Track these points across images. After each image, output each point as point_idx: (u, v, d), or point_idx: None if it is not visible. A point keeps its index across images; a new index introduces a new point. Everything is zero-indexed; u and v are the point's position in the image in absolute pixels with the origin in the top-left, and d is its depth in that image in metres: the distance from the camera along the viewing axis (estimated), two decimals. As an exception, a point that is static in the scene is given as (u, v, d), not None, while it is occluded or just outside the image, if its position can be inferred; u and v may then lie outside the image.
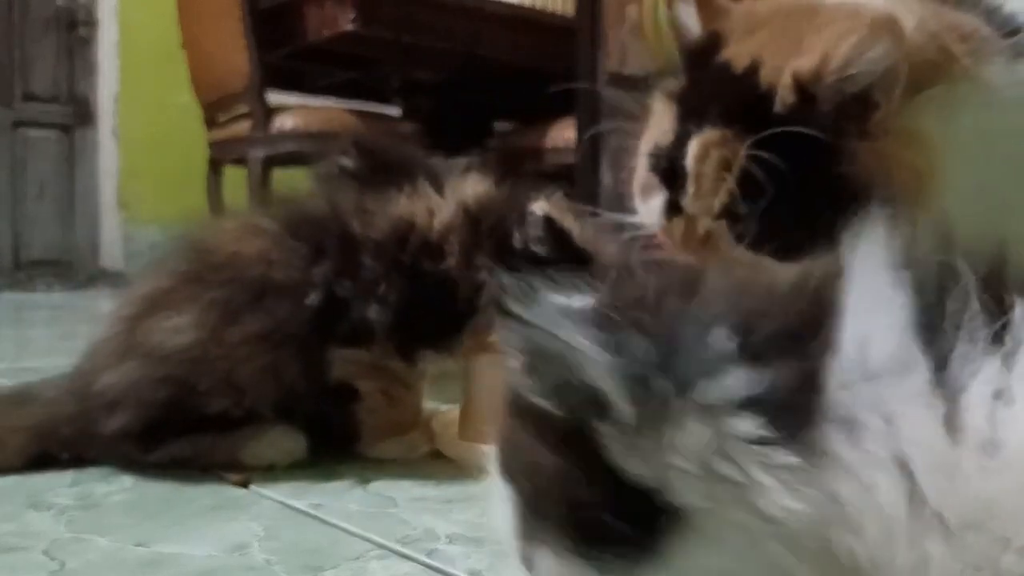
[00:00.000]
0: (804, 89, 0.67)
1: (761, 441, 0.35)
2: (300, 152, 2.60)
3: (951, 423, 0.34)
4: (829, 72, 0.66)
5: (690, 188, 0.70)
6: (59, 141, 4.07)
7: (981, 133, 0.69)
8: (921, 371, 0.35)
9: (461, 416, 0.94)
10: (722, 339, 0.37)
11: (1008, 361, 0.35)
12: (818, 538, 0.35)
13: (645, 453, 0.36)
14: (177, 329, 0.85)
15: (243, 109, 2.61)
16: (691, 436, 0.36)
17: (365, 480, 0.84)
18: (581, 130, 1.97)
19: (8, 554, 0.65)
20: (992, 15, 0.79)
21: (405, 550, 0.65)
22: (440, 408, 1.02)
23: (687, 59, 0.78)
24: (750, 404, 0.36)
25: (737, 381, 0.36)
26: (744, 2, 0.80)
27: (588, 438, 0.37)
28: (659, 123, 0.76)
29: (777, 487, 0.35)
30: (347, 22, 2.37)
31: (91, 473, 0.85)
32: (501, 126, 3.00)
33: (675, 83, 0.78)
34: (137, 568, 0.62)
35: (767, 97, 0.68)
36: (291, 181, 2.45)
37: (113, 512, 0.75)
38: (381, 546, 0.66)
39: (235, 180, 2.75)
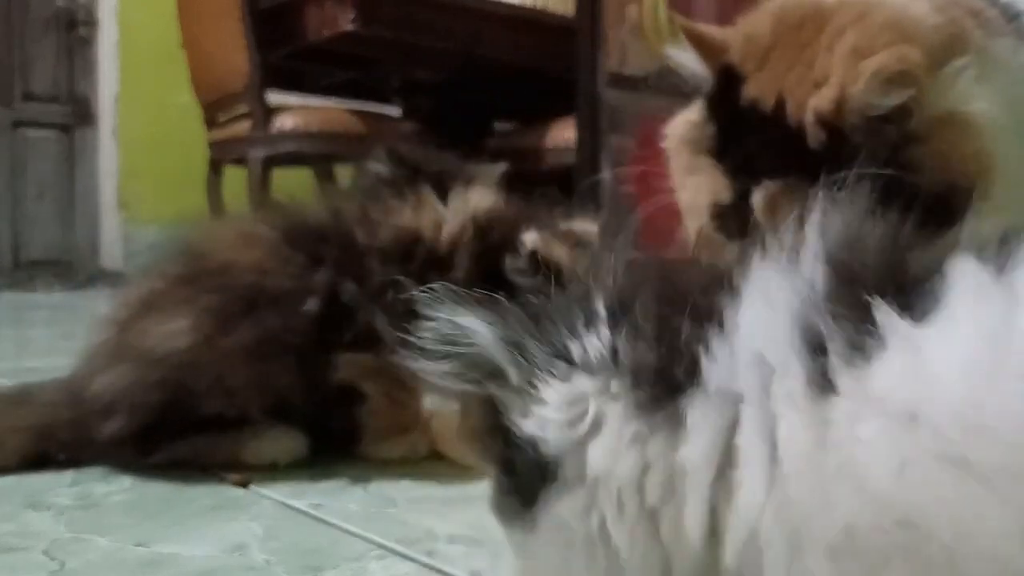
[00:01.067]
0: (830, 125, 0.66)
1: (614, 398, 0.40)
2: (300, 152, 2.60)
3: (815, 427, 0.36)
4: (850, 111, 0.65)
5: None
6: (59, 141, 4.07)
7: (1004, 103, 0.68)
8: (795, 372, 0.37)
9: (460, 416, 0.94)
10: (597, 311, 0.42)
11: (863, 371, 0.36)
12: (642, 498, 0.39)
13: (525, 409, 0.42)
14: (171, 333, 0.85)
15: (243, 109, 2.61)
16: (556, 394, 0.41)
17: (365, 480, 0.84)
18: (580, 130, 1.97)
19: (8, 554, 0.65)
20: (994, 1, 0.79)
21: (405, 550, 0.65)
22: (440, 409, 1.02)
23: (710, 107, 0.75)
24: (612, 368, 0.41)
25: (600, 346, 0.41)
26: (738, 24, 0.78)
27: (494, 403, 0.43)
28: (700, 178, 0.74)
29: (619, 444, 0.40)
30: (347, 22, 2.37)
31: (91, 473, 0.85)
32: (501, 126, 3.00)
33: (698, 129, 0.75)
34: (137, 568, 0.62)
35: (801, 135, 0.67)
36: (291, 181, 2.46)
37: (113, 512, 0.75)
38: (381, 546, 0.66)
39: (235, 180, 2.75)
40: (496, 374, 0.43)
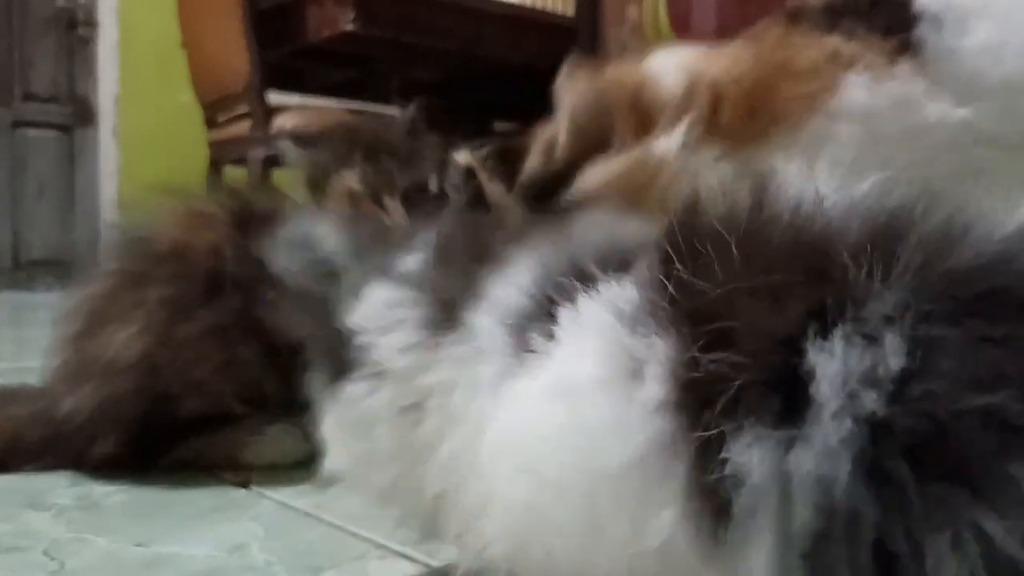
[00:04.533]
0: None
1: (414, 309, 0.47)
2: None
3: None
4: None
5: None
6: (59, 141, 4.07)
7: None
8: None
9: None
10: (426, 240, 0.50)
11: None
12: (406, 397, 0.46)
13: (350, 307, 0.49)
14: (127, 339, 0.83)
15: (243, 109, 2.61)
16: (375, 296, 0.48)
17: (365, 480, 0.84)
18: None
19: (8, 554, 0.65)
20: (875, 15, 0.78)
21: (405, 550, 0.65)
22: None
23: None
24: (421, 287, 0.47)
25: (418, 268, 0.48)
26: None
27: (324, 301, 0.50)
28: None
29: (403, 346, 0.46)
30: (347, 22, 2.38)
31: (90, 473, 0.85)
32: (501, 126, 3.00)
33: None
34: (137, 568, 0.62)
35: None
36: (291, 181, 2.46)
37: (113, 512, 0.75)
38: (381, 546, 0.66)
39: (235, 180, 2.75)
40: (333, 274, 0.51)
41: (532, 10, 2.86)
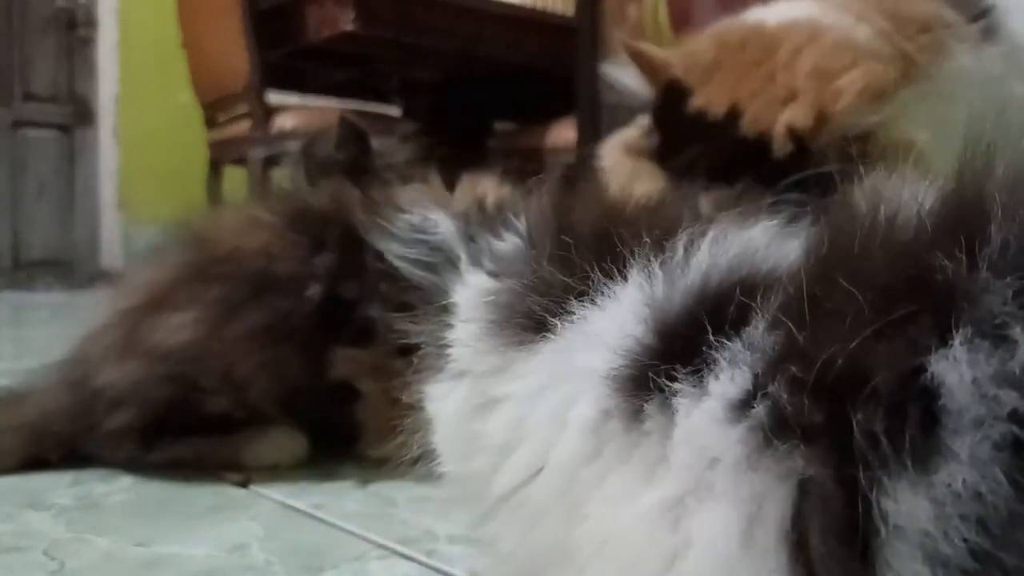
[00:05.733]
0: (800, 139, 0.67)
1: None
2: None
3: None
4: (829, 129, 0.66)
5: None
6: (59, 141, 4.07)
7: (941, 124, 0.69)
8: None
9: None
10: (519, 230, 0.47)
11: None
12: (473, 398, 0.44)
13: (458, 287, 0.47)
14: (178, 326, 0.85)
15: (243, 109, 2.61)
16: (474, 282, 0.47)
17: (365, 480, 0.84)
18: (581, 130, 1.97)
19: (8, 554, 0.65)
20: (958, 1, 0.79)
21: (405, 550, 0.65)
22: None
23: (656, 118, 0.77)
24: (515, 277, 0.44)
25: (502, 253, 0.46)
26: (680, 47, 0.79)
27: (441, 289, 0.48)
28: (644, 183, 0.76)
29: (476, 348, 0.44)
30: (347, 22, 2.37)
31: (91, 473, 0.85)
32: (501, 126, 3.00)
33: (640, 140, 0.77)
34: (137, 568, 0.62)
35: (756, 145, 0.68)
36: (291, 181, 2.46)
37: (113, 512, 0.75)
38: (381, 546, 0.66)
39: (235, 180, 2.75)
40: (452, 260, 0.49)
41: (532, 10, 2.86)
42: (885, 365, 0.29)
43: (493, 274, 0.46)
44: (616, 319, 0.37)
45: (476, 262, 0.48)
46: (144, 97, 4.01)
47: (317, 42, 2.53)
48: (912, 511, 0.28)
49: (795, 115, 0.67)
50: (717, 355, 0.33)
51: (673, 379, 0.34)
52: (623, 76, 0.78)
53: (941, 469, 0.27)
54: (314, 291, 0.87)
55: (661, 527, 0.33)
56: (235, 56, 2.51)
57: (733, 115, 0.70)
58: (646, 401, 0.35)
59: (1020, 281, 0.28)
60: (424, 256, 0.50)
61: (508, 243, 0.47)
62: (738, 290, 0.35)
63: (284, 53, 2.64)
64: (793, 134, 0.67)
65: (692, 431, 0.33)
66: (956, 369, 0.28)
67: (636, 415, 0.35)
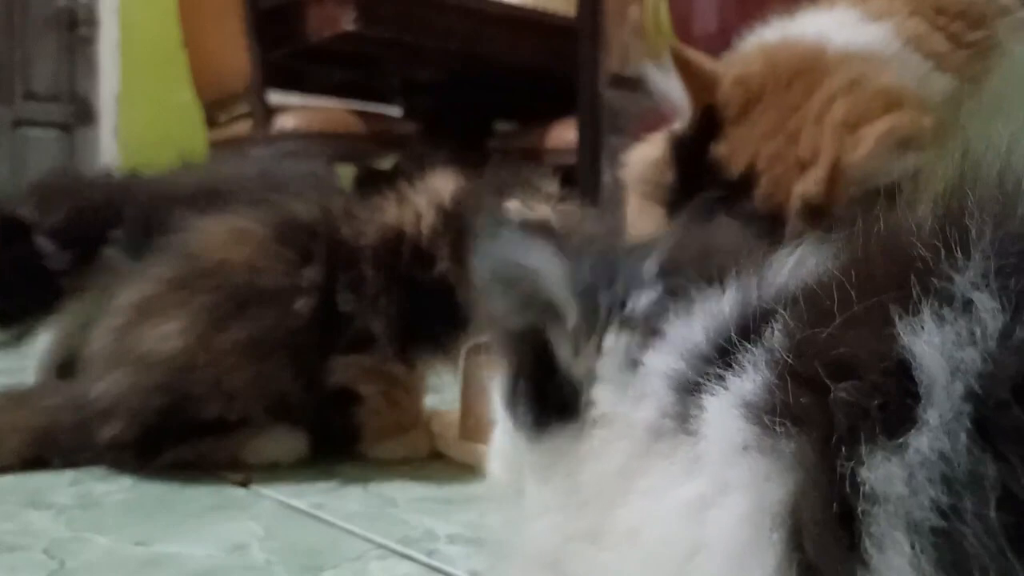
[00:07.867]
0: (816, 207, 0.64)
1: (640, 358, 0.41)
2: (300, 152, 2.60)
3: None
4: (846, 182, 0.63)
5: None
6: (59, 140, 4.07)
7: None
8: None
9: (460, 417, 0.94)
10: (651, 270, 0.43)
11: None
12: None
13: (584, 353, 0.43)
14: (166, 335, 0.85)
15: (244, 109, 2.60)
16: (617, 342, 0.42)
17: (365, 480, 0.84)
18: (581, 130, 1.97)
19: (8, 553, 0.65)
20: None
21: (405, 550, 0.65)
22: (440, 409, 1.02)
23: (678, 149, 0.73)
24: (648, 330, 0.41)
25: (653, 301, 0.42)
26: (733, 58, 0.76)
27: (540, 341, 0.44)
28: (649, 227, 0.73)
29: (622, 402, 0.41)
30: (348, 22, 2.37)
31: (91, 473, 0.85)
32: (501, 126, 3.00)
33: (657, 171, 0.73)
34: (137, 568, 0.62)
35: (768, 217, 0.65)
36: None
37: (113, 511, 0.75)
38: (381, 546, 0.66)
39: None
40: (555, 314, 0.43)
41: (532, 10, 2.85)
42: (859, 342, 0.31)
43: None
44: (690, 327, 0.39)
45: (602, 323, 0.43)
46: (144, 97, 4.01)
47: (318, 42, 2.53)
48: (887, 477, 0.29)
49: (808, 185, 0.64)
50: (743, 358, 0.36)
51: (711, 381, 0.36)
52: (665, 83, 0.75)
53: (911, 435, 0.29)
54: (303, 304, 0.87)
55: (689, 521, 0.36)
56: (236, 56, 2.50)
57: (748, 178, 0.67)
58: (692, 402, 0.37)
59: (988, 261, 0.30)
60: (517, 308, 0.45)
61: (641, 302, 0.43)
62: (775, 303, 0.37)
63: (285, 53, 2.64)
64: (808, 206, 0.64)
65: (717, 428, 0.35)
66: (923, 336, 0.29)
67: (684, 416, 0.37)
